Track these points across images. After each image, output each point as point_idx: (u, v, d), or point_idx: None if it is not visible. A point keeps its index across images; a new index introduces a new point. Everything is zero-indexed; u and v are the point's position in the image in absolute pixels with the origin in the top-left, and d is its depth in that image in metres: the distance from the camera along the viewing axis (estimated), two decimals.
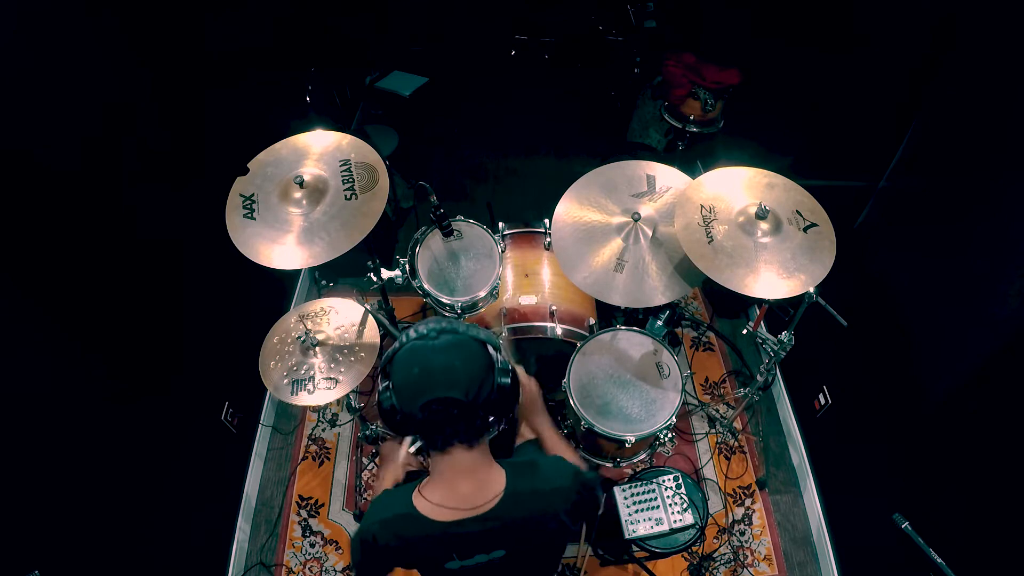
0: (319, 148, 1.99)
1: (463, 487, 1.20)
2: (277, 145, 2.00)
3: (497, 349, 1.22)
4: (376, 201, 1.89)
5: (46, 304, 1.64)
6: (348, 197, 1.90)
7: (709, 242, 1.86)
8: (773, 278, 1.82)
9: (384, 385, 1.19)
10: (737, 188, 1.97)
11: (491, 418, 1.19)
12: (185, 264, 2.23)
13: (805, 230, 1.88)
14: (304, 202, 1.88)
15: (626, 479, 2.24)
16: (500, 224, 2.42)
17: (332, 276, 2.82)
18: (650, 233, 2.07)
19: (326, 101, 3.40)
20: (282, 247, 1.84)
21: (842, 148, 2.57)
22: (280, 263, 1.82)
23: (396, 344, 1.20)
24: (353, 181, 1.93)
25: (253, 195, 1.90)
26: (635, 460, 2.32)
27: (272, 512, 2.58)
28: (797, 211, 1.90)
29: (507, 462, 1.27)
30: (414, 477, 1.43)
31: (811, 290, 1.88)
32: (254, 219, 1.87)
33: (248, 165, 1.95)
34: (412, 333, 1.18)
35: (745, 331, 2.28)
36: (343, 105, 3.64)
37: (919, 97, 2.09)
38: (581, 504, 1.29)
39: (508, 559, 1.27)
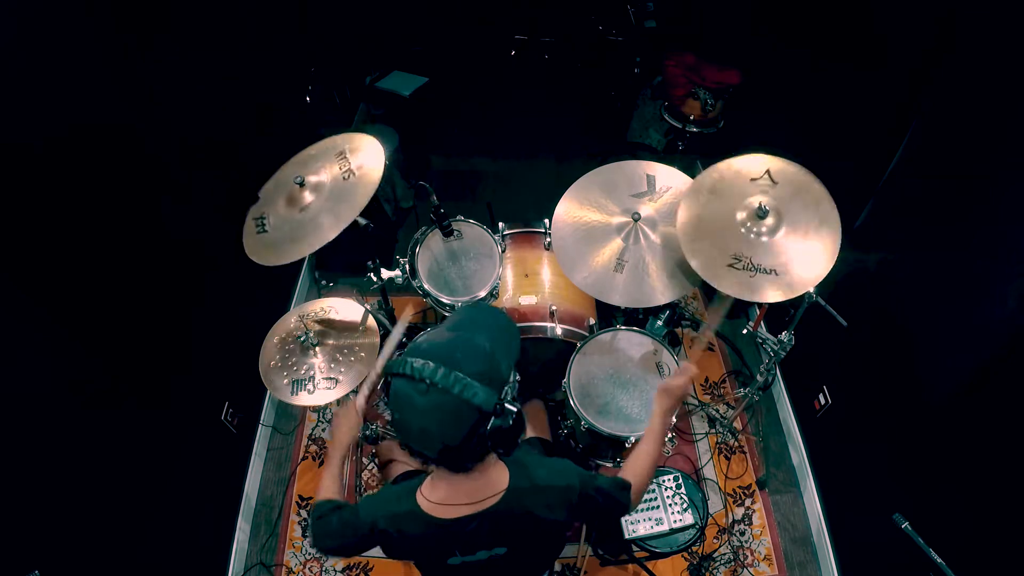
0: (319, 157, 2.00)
1: (465, 485, 1.21)
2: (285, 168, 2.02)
3: (502, 388, 1.14)
4: (373, 172, 1.89)
5: (46, 304, 1.64)
6: (346, 178, 1.91)
7: (778, 275, 1.77)
8: (813, 247, 1.78)
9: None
10: (703, 212, 1.88)
11: (479, 451, 1.17)
12: (185, 265, 2.23)
13: (774, 183, 1.83)
14: (308, 198, 1.90)
15: None
16: (500, 224, 2.42)
17: (332, 276, 2.82)
18: (650, 233, 2.07)
19: (326, 101, 3.40)
20: (288, 243, 1.85)
21: (842, 148, 2.57)
22: (287, 256, 1.83)
23: (397, 360, 1.13)
24: (350, 163, 1.94)
25: (263, 215, 1.93)
26: None
27: (272, 512, 2.58)
28: (751, 179, 1.86)
29: (510, 460, 1.27)
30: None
31: (811, 290, 1.88)
32: (266, 231, 1.89)
33: (259, 193, 1.97)
34: (408, 366, 1.09)
35: (745, 331, 2.28)
36: (343, 105, 3.64)
37: (919, 97, 2.09)
38: (585, 506, 1.30)
39: (508, 556, 1.27)
